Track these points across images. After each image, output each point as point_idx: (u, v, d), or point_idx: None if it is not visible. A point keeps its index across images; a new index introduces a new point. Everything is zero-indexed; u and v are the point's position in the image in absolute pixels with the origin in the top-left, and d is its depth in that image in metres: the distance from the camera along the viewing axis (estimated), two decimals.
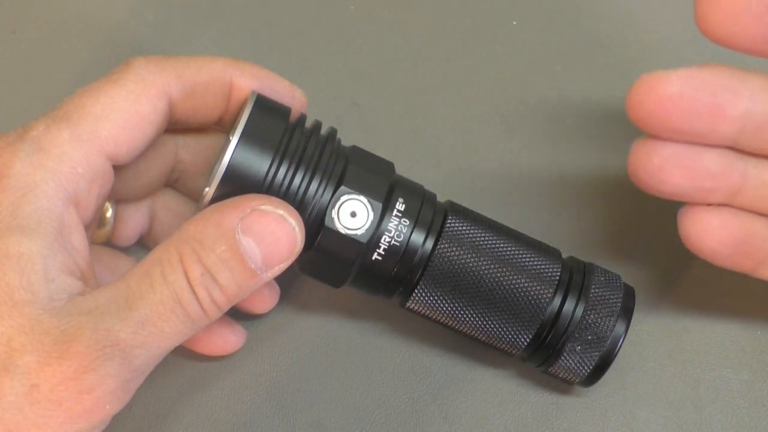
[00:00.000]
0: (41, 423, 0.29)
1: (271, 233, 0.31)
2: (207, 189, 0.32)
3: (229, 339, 0.38)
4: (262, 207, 0.31)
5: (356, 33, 0.47)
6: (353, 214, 0.33)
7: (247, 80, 0.34)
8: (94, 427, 0.30)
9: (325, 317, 0.40)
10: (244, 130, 0.32)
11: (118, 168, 0.33)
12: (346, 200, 0.33)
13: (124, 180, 0.36)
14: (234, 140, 0.32)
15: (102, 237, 0.38)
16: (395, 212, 0.34)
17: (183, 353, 0.38)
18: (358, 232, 0.33)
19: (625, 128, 0.45)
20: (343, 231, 0.33)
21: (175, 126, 0.35)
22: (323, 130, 0.35)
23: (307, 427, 0.38)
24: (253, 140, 0.32)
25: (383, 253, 0.34)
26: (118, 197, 0.37)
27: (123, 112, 0.32)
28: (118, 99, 0.32)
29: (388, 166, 0.35)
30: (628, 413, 0.39)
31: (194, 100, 0.34)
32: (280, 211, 0.31)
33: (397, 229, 0.34)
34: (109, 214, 0.37)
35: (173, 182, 0.39)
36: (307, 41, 0.47)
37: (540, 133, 0.45)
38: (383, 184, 0.34)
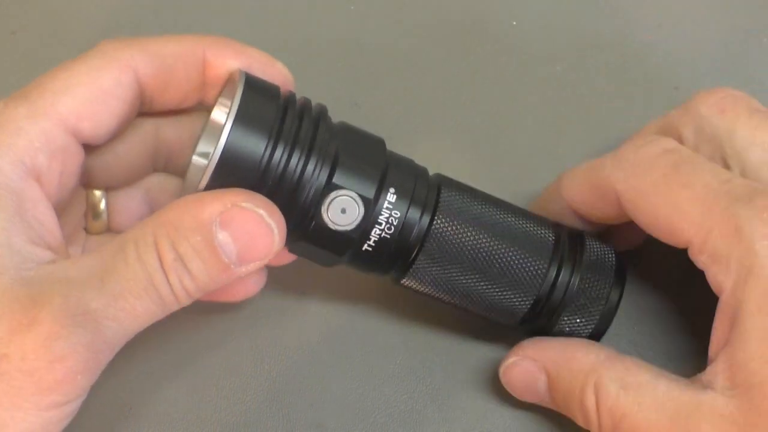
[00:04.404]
0: (13, 394, 0.28)
1: (248, 232, 0.31)
2: (200, 180, 0.32)
3: (248, 283, 0.38)
4: (243, 204, 0.31)
5: (356, 33, 0.47)
6: (343, 211, 0.33)
7: (222, 50, 0.34)
8: (68, 399, 0.29)
9: (326, 317, 0.40)
10: (236, 116, 0.31)
11: (93, 149, 0.33)
12: (337, 197, 0.32)
13: (105, 165, 0.35)
14: (227, 128, 0.31)
15: (99, 228, 0.38)
16: (386, 204, 0.33)
17: (195, 316, 0.38)
18: (348, 228, 0.33)
19: (625, 128, 0.45)
20: (333, 227, 0.33)
21: (152, 107, 0.35)
22: (311, 108, 0.34)
23: (307, 427, 0.38)
24: (246, 126, 0.31)
25: (373, 244, 0.34)
26: (105, 184, 0.37)
27: (84, 86, 0.32)
28: (78, 74, 0.32)
29: (379, 149, 0.34)
30: None
31: (164, 74, 0.33)
32: (261, 211, 0.31)
33: (387, 221, 0.33)
34: (102, 205, 0.37)
35: (164, 165, 0.38)
36: (307, 41, 0.47)
37: (540, 133, 0.45)
38: (374, 175, 0.33)
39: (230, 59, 0.34)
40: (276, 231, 0.31)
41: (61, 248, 0.32)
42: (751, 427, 0.30)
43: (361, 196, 0.33)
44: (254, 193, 0.31)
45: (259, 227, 0.31)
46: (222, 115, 0.33)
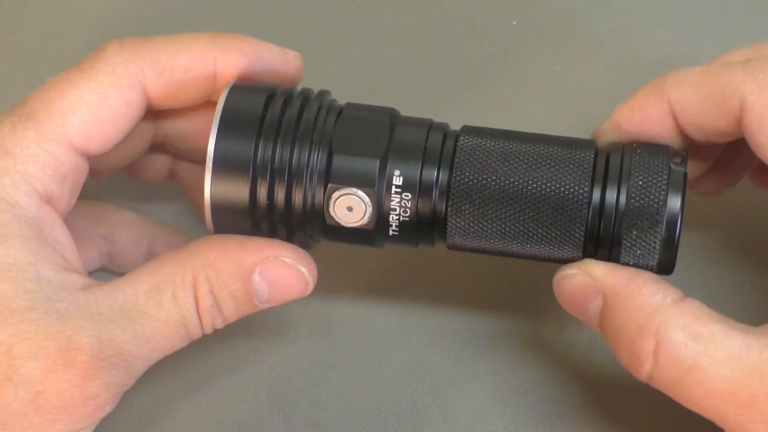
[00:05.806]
0: (45, 425, 0.29)
1: (286, 284, 0.32)
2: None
3: None
4: (286, 259, 0.32)
5: (356, 33, 0.47)
6: (350, 209, 0.32)
7: (234, 57, 0.33)
8: (94, 423, 0.31)
9: (325, 317, 0.40)
10: (215, 156, 0.31)
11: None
12: (339, 197, 0.32)
13: (98, 159, 0.35)
14: (209, 164, 0.31)
15: None
16: (394, 189, 0.32)
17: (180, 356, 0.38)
18: (362, 223, 0.32)
19: None
20: (346, 225, 0.32)
21: (155, 110, 0.34)
22: (296, 100, 0.33)
23: (307, 427, 0.38)
24: (228, 155, 0.31)
25: (397, 229, 0.33)
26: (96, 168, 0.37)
27: (92, 106, 0.31)
28: (87, 92, 0.31)
29: (379, 127, 0.33)
30: (629, 413, 0.39)
31: (173, 86, 0.33)
32: (302, 269, 0.32)
33: (401, 205, 0.32)
34: None
35: (159, 146, 0.38)
36: (306, 41, 0.47)
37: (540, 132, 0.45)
38: (372, 164, 0.32)
39: (242, 65, 0.33)
40: (311, 283, 0.33)
41: (79, 263, 0.32)
42: None
43: (363, 190, 0.32)
44: (294, 247, 0.32)
45: (296, 281, 0.32)
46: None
